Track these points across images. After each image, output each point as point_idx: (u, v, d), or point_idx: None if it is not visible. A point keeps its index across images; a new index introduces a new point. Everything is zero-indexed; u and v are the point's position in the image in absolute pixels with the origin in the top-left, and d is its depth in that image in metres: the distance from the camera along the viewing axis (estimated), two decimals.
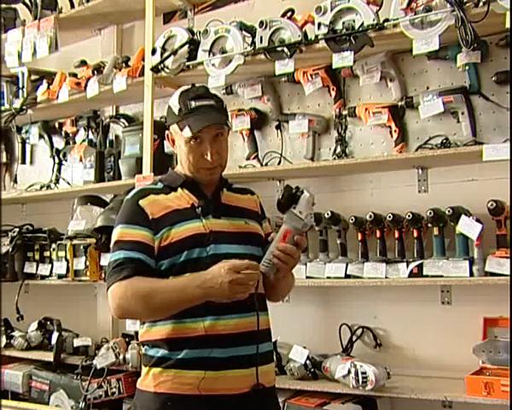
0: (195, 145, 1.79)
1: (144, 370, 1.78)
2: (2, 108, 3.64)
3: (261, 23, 2.60)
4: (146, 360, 1.78)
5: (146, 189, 1.85)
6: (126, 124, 3.36)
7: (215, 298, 1.64)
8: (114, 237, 1.78)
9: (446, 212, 2.32)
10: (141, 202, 1.77)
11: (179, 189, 1.83)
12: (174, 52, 2.84)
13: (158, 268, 1.74)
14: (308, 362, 2.52)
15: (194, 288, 1.64)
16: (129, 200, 1.82)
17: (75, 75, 3.35)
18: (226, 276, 1.60)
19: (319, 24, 2.45)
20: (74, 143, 3.60)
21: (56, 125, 3.71)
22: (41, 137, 3.76)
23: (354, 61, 2.42)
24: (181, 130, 1.79)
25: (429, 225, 2.39)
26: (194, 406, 1.69)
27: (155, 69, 2.90)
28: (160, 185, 1.85)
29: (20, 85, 3.54)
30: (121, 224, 1.78)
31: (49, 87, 3.41)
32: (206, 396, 1.68)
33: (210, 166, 1.81)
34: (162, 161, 3.06)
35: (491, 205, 2.22)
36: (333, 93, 2.74)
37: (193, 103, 1.81)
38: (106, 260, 3.07)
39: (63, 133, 3.67)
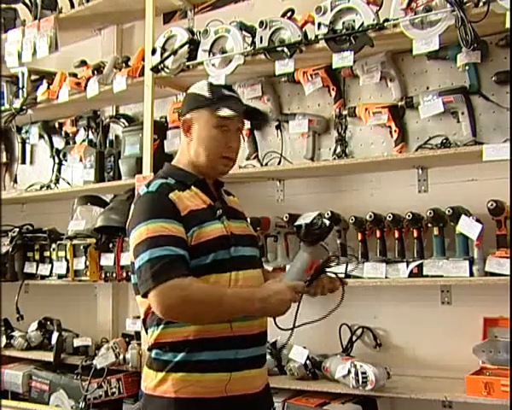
0: (221, 133, 1.78)
1: (157, 375, 1.70)
2: (2, 108, 3.63)
3: (261, 23, 2.60)
4: (159, 365, 1.70)
5: (166, 183, 1.74)
6: (126, 124, 3.35)
7: (270, 314, 1.68)
8: (148, 232, 1.63)
9: (446, 212, 2.32)
10: (171, 196, 1.69)
11: (192, 187, 1.77)
12: (174, 52, 2.84)
13: None
14: (308, 362, 2.52)
15: (256, 300, 1.63)
16: (155, 193, 1.71)
17: (75, 75, 3.35)
18: (288, 294, 1.64)
19: (319, 24, 2.45)
20: (74, 143, 3.60)
21: (56, 125, 3.71)
22: (41, 137, 3.76)
23: (354, 61, 2.42)
24: (215, 111, 1.76)
25: (429, 225, 2.39)
26: (219, 408, 1.68)
27: (155, 69, 2.90)
28: (171, 181, 1.76)
29: (20, 85, 3.54)
30: (154, 218, 1.65)
31: (49, 87, 3.40)
32: (232, 397, 1.67)
33: (229, 157, 1.81)
34: (162, 161, 3.04)
35: (491, 205, 2.22)
36: (333, 93, 2.74)
37: (225, 92, 1.83)
38: (106, 260, 3.08)
39: (63, 133, 3.67)
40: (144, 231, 1.65)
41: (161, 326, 1.70)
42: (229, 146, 1.80)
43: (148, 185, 1.75)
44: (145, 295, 1.64)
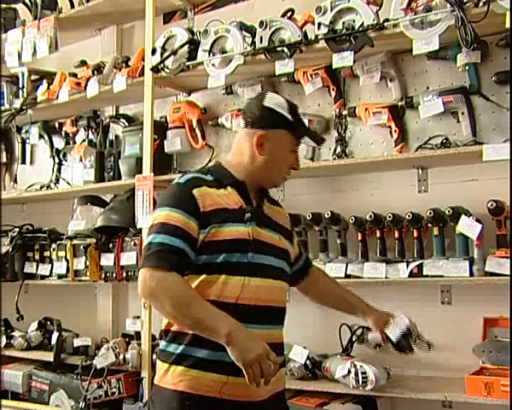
0: (291, 156, 1.87)
1: (163, 366, 1.74)
2: (2, 108, 3.64)
3: (261, 23, 2.60)
4: (165, 356, 1.75)
5: (199, 178, 1.78)
6: (126, 124, 3.35)
7: (232, 352, 1.58)
8: (159, 217, 1.70)
9: (446, 212, 2.32)
10: (195, 192, 1.72)
11: (228, 187, 1.79)
12: (174, 52, 2.84)
13: (194, 262, 1.71)
14: (308, 362, 2.52)
15: (224, 324, 1.59)
16: (181, 185, 1.76)
17: (75, 75, 3.35)
18: (259, 349, 1.57)
19: (319, 24, 2.45)
20: (74, 143, 3.60)
21: (56, 125, 3.71)
22: (41, 137, 3.76)
23: (354, 61, 2.42)
24: (297, 138, 1.85)
25: (429, 225, 2.39)
26: (213, 408, 1.68)
27: (155, 69, 2.90)
28: (209, 177, 1.79)
29: (20, 85, 3.54)
30: (170, 206, 1.71)
31: (49, 87, 3.41)
32: (228, 401, 1.67)
33: (288, 177, 1.91)
34: (162, 161, 3.06)
35: (491, 205, 2.22)
36: (333, 93, 2.74)
37: (300, 115, 1.91)
38: (106, 260, 3.09)
39: (63, 133, 3.66)
40: (157, 216, 1.72)
41: None
42: (294, 167, 1.89)
43: (180, 177, 1.81)
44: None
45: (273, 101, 1.84)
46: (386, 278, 2.42)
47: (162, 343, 1.77)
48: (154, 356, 2.80)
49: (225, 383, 1.66)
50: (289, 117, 1.82)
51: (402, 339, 2.06)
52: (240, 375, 1.62)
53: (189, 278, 1.71)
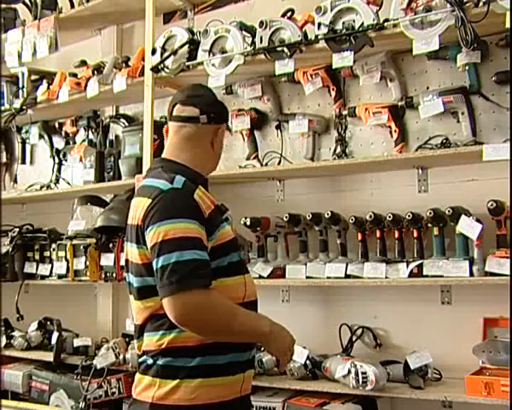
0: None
1: (168, 383, 1.61)
2: (2, 108, 3.63)
3: (261, 23, 2.60)
4: (170, 371, 1.62)
5: (187, 179, 1.67)
6: (126, 124, 3.35)
7: (271, 345, 1.72)
8: (176, 230, 1.54)
9: (446, 212, 2.32)
10: (196, 196, 1.63)
11: (200, 186, 1.70)
12: (174, 52, 2.84)
13: None
14: (308, 362, 2.52)
15: (265, 323, 1.69)
16: (181, 191, 1.62)
17: (75, 75, 3.35)
18: (289, 337, 1.75)
19: (319, 24, 2.45)
20: (74, 143, 3.60)
21: (56, 125, 3.71)
22: (41, 137, 3.76)
23: (354, 61, 2.42)
24: (228, 130, 1.94)
25: (429, 225, 2.39)
26: (235, 408, 1.70)
27: (155, 69, 2.90)
28: (183, 178, 1.68)
29: (20, 85, 3.54)
30: (184, 217, 1.57)
31: (49, 87, 3.40)
32: (242, 397, 1.71)
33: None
34: None
35: (491, 205, 2.22)
36: (333, 93, 2.74)
37: None
38: (106, 260, 3.09)
39: (63, 133, 3.67)
40: (172, 229, 1.55)
41: (177, 330, 1.60)
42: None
43: (171, 181, 1.64)
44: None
45: (216, 97, 1.93)
46: (386, 278, 2.42)
47: (164, 360, 1.62)
48: None
49: (243, 380, 1.70)
50: (226, 112, 1.93)
51: (418, 370, 2.25)
52: (251, 368, 1.75)
53: None
